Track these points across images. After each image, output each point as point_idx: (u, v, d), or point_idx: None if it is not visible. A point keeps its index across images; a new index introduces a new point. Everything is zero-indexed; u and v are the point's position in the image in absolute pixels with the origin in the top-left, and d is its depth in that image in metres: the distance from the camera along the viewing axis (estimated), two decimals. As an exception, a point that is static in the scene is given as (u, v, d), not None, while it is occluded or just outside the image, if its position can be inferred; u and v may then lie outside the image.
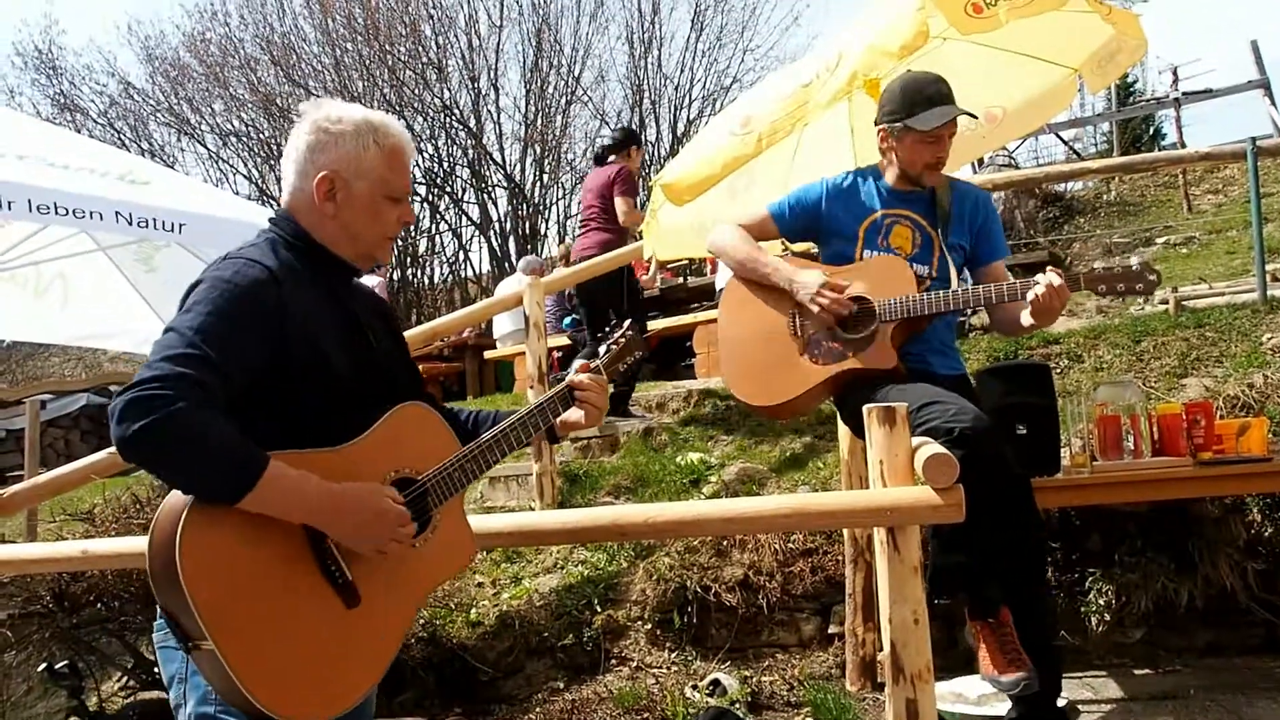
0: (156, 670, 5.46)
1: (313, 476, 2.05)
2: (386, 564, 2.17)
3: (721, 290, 3.92)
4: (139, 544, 3.41)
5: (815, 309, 3.52)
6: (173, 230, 4.64)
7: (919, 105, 3.56)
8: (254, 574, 2.01)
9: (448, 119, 21.34)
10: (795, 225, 3.81)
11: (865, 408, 2.69)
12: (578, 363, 2.64)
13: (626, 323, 2.78)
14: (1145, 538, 4.79)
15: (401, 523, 2.14)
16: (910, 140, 3.63)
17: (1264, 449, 4.02)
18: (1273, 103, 16.17)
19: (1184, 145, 16.78)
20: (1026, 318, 3.44)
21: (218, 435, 1.95)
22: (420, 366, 11.14)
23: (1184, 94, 16.90)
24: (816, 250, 3.91)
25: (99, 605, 5.32)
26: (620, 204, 7.39)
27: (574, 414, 2.57)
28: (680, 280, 10.67)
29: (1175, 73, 17.20)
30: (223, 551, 1.98)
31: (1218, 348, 5.81)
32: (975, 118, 3.57)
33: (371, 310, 2.43)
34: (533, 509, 6.26)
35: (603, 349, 2.72)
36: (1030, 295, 3.32)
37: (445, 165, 21.68)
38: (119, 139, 21.35)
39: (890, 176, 3.74)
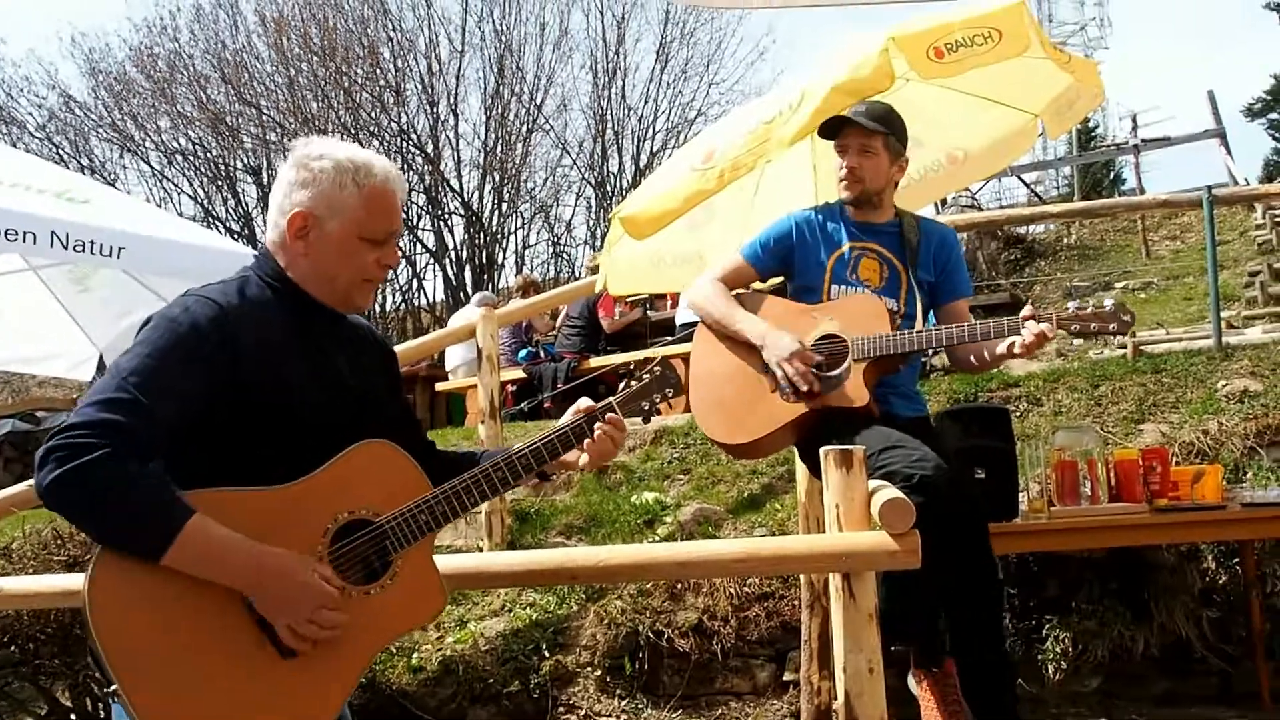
0: (73, 718, 5.32)
1: (238, 539, 2.00)
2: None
3: (682, 325, 3.94)
4: (57, 582, 3.34)
5: (778, 374, 3.53)
6: (112, 255, 4.56)
7: (835, 122, 3.69)
8: (173, 621, 1.97)
9: (404, 144, 21.33)
10: (770, 263, 3.87)
11: (822, 450, 2.70)
12: (583, 400, 2.50)
13: (660, 356, 2.63)
14: (1102, 585, 4.84)
15: (323, 603, 2.07)
16: (832, 155, 3.79)
17: (1218, 496, 4.08)
18: (1228, 152, 16.57)
19: (1143, 191, 17.13)
20: (991, 359, 3.52)
21: (138, 490, 1.92)
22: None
23: (1143, 140, 17.30)
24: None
25: (12, 648, 5.15)
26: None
27: (573, 454, 2.46)
28: (640, 314, 10.67)
29: (1135, 120, 17.60)
30: (138, 597, 1.94)
31: (1174, 393, 5.90)
32: (874, 131, 3.65)
33: (359, 350, 2.40)
34: (481, 548, 6.21)
35: (621, 385, 2.58)
36: (1017, 345, 3.36)
37: (401, 191, 21.62)
38: (58, 154, 21.09)
39: (848, 206, 3.83)
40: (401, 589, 2.21)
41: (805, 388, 3.49)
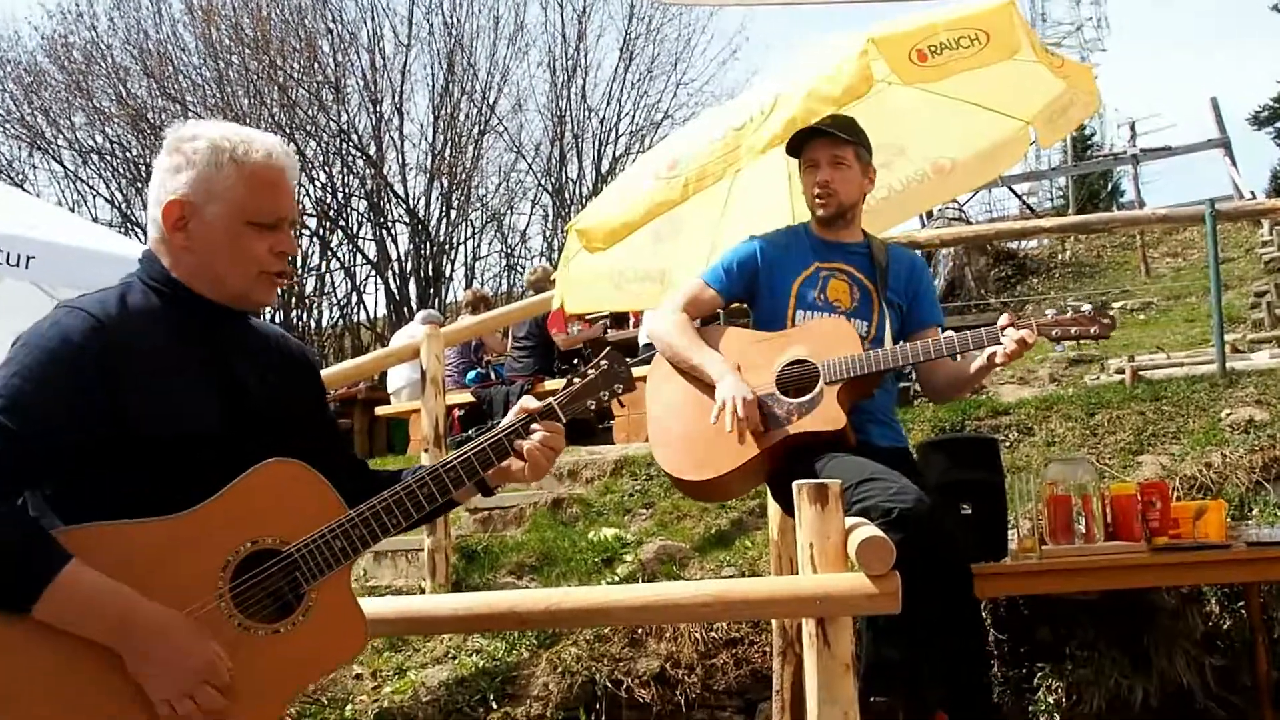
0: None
1: (113, 587, 1.94)
2: (239, 653, 2.06)
3: (646, 345, 3.96)
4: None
5: (717, 407, 3.56)
6: (19, 264, 4.51)
7: (802, 135, 3.75)
8: (43, 670, 1.92)
9: (344, 144, 21.30)
10: (734, 288, 3.93)
11: (795, 484, 2.71)
12: (527, 398, 2.47)
13: (605, 351, 2.58)
14: (1098, 629, 4.88)
15: (207, 677, 1.99)
16: (800, 171, 3.88)
17: (1222, 534, 4.12)
18: (1233, 163, 16.81)
19: (1142, 204, 17.37)
20: (971, 375, 3.60)
21: (2, 531, 1.88)
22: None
23: (1142, 150, 17.54)
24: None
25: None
26: None
27: (511, 464, 2.39)
28: (599, 332, 10.67)
29: (1133, 128, 17.86)
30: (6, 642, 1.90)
31: (1175, 423, 5.98)
32: (845, 141, 3.71)
33: (268, 358, 2.33)
34: (423, 589, 6.17)
35: (565, 383, 2.52)
36: (999, 354, 3.42)
37: (340, 196, 21.58)
38: (-43, 152, 20.87)
39: (816, 226, 3.91)
40: (317, 625, 2.14)
41: (733, 427, 3.51)
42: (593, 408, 2.50)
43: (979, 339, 3.51)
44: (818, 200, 3.82)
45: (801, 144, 3.82)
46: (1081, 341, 3.56)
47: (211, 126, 2.22)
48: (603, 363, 2.52)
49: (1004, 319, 3.49)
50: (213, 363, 2.20)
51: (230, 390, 2.20)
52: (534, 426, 2.39)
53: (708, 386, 3.69)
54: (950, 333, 3.70)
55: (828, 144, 3.76)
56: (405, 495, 2.26)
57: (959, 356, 3.65)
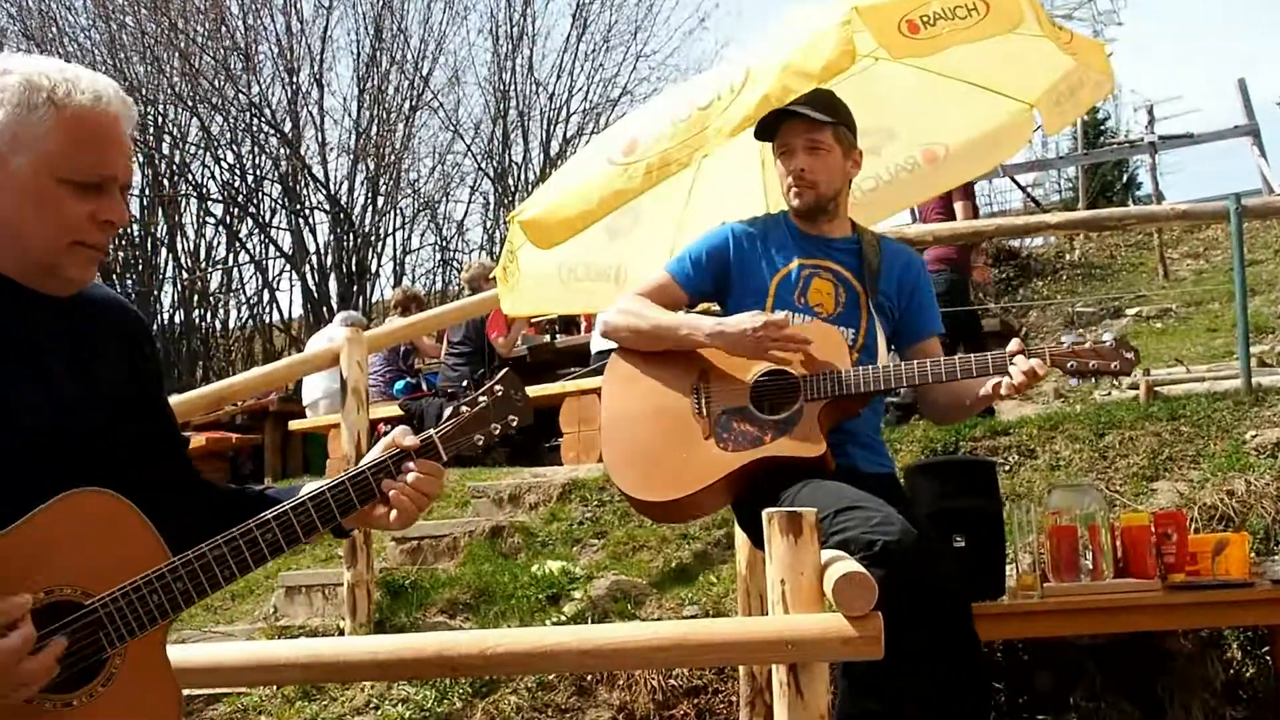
0: None
1: None
2: None
3: (598, 353, 3.95)
4: None
5: (759, 346, 3.54)
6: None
7: (773, 117, 3.75)
8: None
9: (255, 120, 21.13)
10: (702, 282, 3.91)
11: (765, 512, 2.72)
12: (399, 431, 2.32)
13: (504, 373, 2.45)
14: (1106, 677, 4.92)
15: (28, 680, 1.85)
16: (773, 158, 3.88)
17: (1245, 571, 4.17)
18: (1262, 153, 16.98)
19: (1160, 198, 17.52)
20: (973, 401, 3.61)
21: None
22: (203, 438, 10.96)
23: (1161, 138, 17.66)
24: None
25: None
26: (961, 208, 7.70)
27: (380, 507, 2.26)
28: (546, 339, 10.67)
29: (1151, 112, 17.97)
30: None
31: (1194, 445, 6.04)
32: (821, 121, 3.72)
33: (91, 342, 2.14)
34: (341, 630, 6.14)
35: (448, 413, 2.39)
36: (1004, 385, 3.42)
37: (250, 179, 21.42)
38: None
39: (797, 217, 3.91)
40: (118, 697, 1.99)
41: (796, 350, 3.54)
42: (481, 444, 2.39)
43: (984, 365, 3.49)
44: (793, 191, 3.82)
45: (774, 126, 3.82)
46: (1099, 378, 3.55)
47: (28, 61, 2.04)
48: (497, 388, 2.40)
49: (1013, 344, 3.48)
50: (13, 352, 2.02)
51: (30, 387, 2.02)
52: (407, 465, 2.26)
53: (672, 389, 3.70)
54: (953, 356, 3.67)
55: (803, 126, 3.76)
56: (244, 542, 2.11)
57: (965, 378, 3.64)
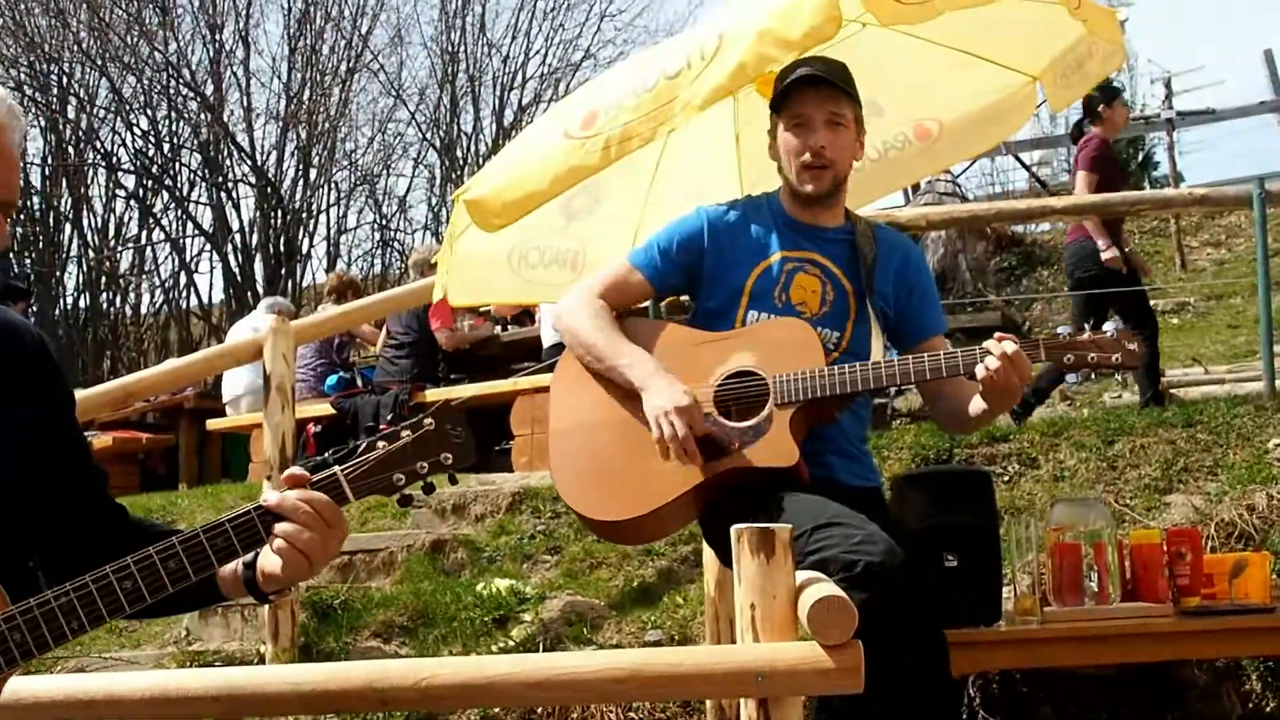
0: None
1: None
2: None
3: (551, 347, 3.94)
4: None
5: (653, 430, 3.52)
6: None
7: (789, 84, 3.70)
8: None
9: (173, 83, 21.02)
10: (671, 275, 3.87)
11: (734, 529, 2.72)
12: (289, 471, 2.23)
13: (440, 403, 2.34)
14: (1113, 711, 4.95)
15: None
16: (781, 131, 3.77)
17: (1265, 595, 4.18)
18: (1290, 130, 17.08)
19: (1179, 179, 17.62)
20: (977, 404, 3.56)
21: None
22: (109, 438, 10.87)
23: (1179, 113, 17.75)
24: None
25: None
26: (1081, 179, 7.83)
27: (269, 558, 2.19)
28: (495, 330, 10.63)
29: (1169, 84, 18.06)
30: None
31: (1212, 454, 6.08)
32: (848, 95, 3.70)
33: None
34: (261, 656, 6.12)
35: (364, 447, 2.25)
36: (979, 372, 3.41)
37: (166, 148, 21.31)
38: None
39: (787, 201, 3.85)
40: None
41: (679, 458, 3.49)
42: (402, 484, 2.23)
43: (970, 358, 3.44)
44: (808, 171, 3.72)
45: (789, 94, 3.74)
46: (1099, 373, 3.54)
47: None
48: (427, 422, 2.26)
49: (997, 335, 3.47)
50: None
51: None
52: (285, 501, 2.16)
53: (629, 400, 3.66)
54: (936, 353, 3.65)
55: (824, 96, 3.69)
56: (98, 590, 2.06)
57: (950, 375, 3.62)
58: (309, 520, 2.13)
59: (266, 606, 6.03)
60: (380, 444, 2.23)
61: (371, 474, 2.20)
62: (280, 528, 2.13)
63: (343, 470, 2.20)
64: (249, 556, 2.22)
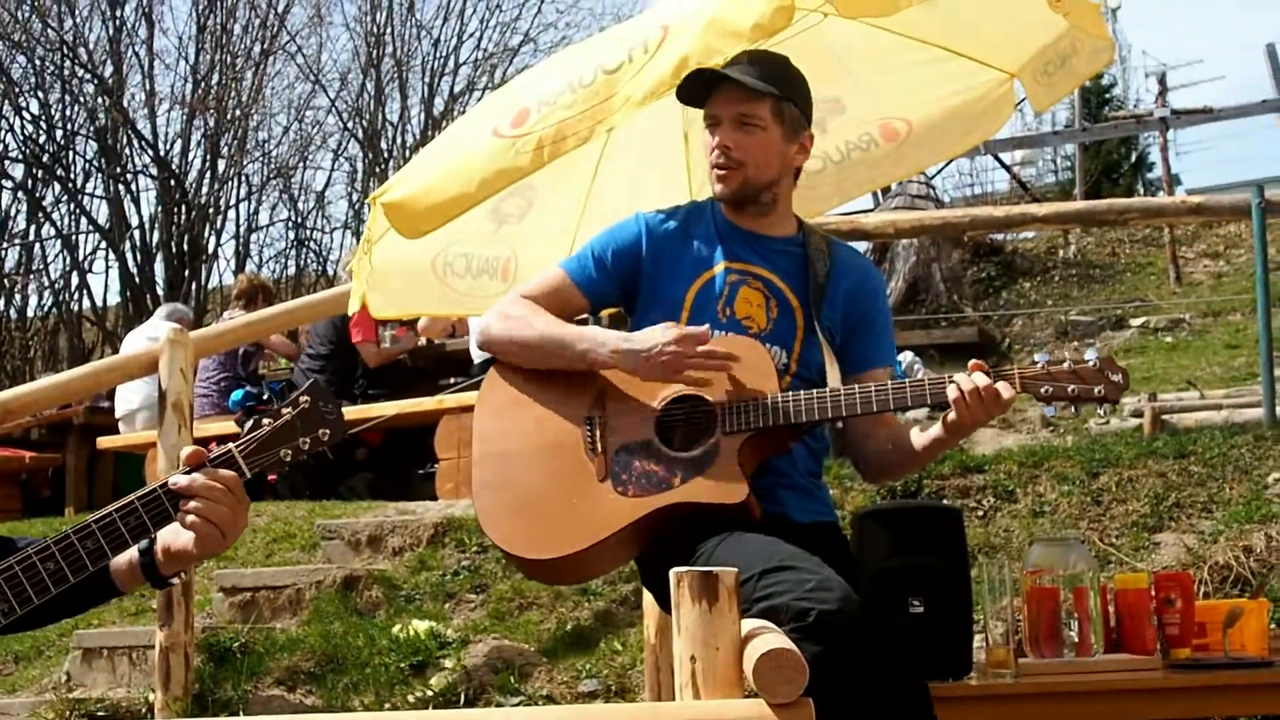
0: None
1: None
2: None
3: (482, 363, 3.92)
4: None
5: (672, 367, 3.48)
6: None
7: (697, 82, 3.70)
8: None
9: (67, 64, 20.86)
10: (606, 285, 3.86)
11: (674, 572, 2.69)
12: (187, 450, 2.55)
13: (307, 385, 2.68)
14: (1094, 774, 4.95)
15: None
16: (703, 130, 3.80)
17: (1263, 647, 4.20)
18: (1294, 133, 17.28)
19: (1174, 183, 17.79)
20: (926, 436, 3.57)
21: None
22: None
23: (1174, 112, 17.92)
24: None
25: None
26: None
27: (177, 536, 2.50)
28: (413, 341, 10.59)
29: (1163, 80, 18.26)
30: None
31: (1206, 489, 6.12)
32: (759, 91, 3.69)
33: None
34: (150, 705, 6.07)
35: (249, 425, 2.61)
36: (950, 409, 3.41)
37: (59, 134, 21.14)
38: None
39: (729, 208, 3.86)
40: None
41: (718, 368, 3.49)
42: (287, 459, 2.58)
43: (938, 389, 3.44)
44: (715, 172, 3.76)
45: (703, 91, 3.77)
46: (1081, 407, 3.54)
47: None
48: (303, 400, 2.60)
49: (972, 364, 3.48)
50: None
51: None
52: (191, 482, 2.45)
53: (561, 420, 3.66)
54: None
55: (735, 94, 3.70)
56: (21, 570, 2.33)
57: (914, 407, 3.63)
58: (220, 495, 2.44)
59: (159, 650, 6.01)
60: (266, 421, 2.57)
61: (262, 449, 2.55)
62: (193, 504, 2.42)
63: (236, 447, 2.52)
64: (144, 543, 2.53)
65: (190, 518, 2.42)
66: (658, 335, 3.51)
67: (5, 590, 2.27)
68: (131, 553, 2.54)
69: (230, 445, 2.53)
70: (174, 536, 2.49)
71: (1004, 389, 3.40)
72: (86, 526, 2.38)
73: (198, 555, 2.48)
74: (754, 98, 3.70)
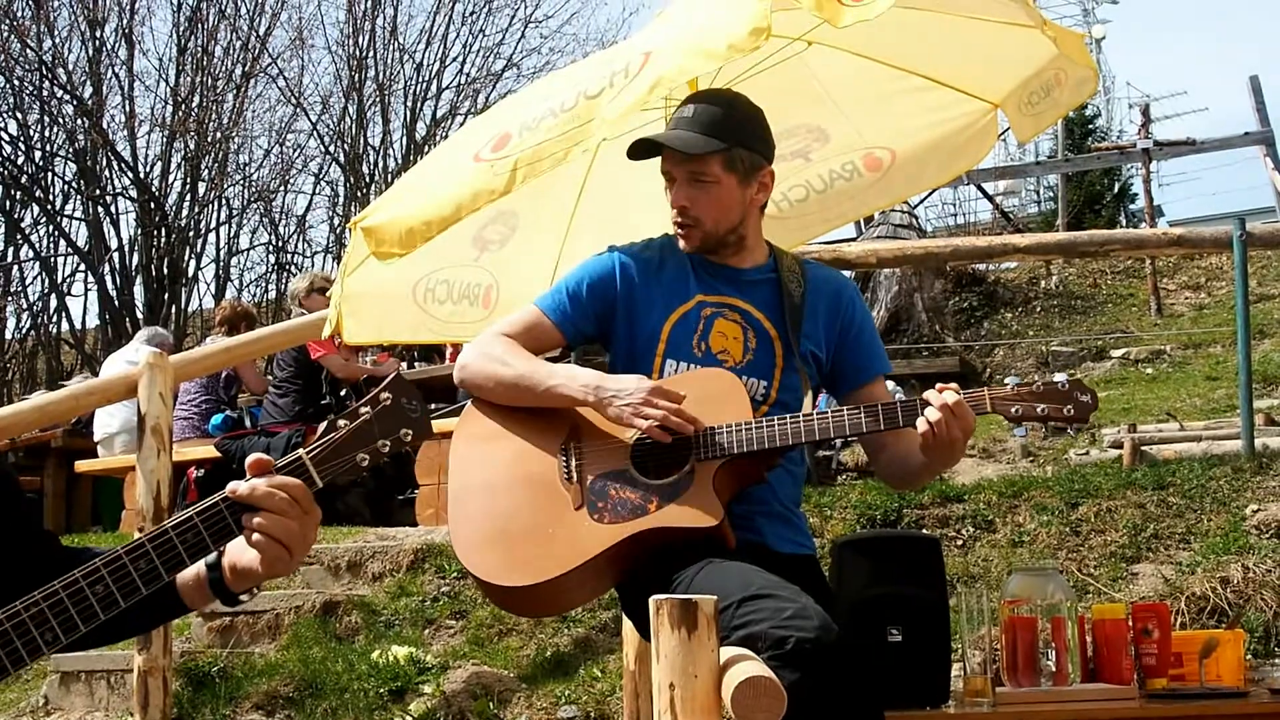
0: None
1: None
2: None
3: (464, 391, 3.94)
4: None
5: (641, 425, 3.51)
6: None
7: (642, 141, 3.74)
8: None
9: (47, 84, 20.85)
10: (582, 321, 3.86)
11: (653, 600, 2.71)
12: (253, 456, 2.29)
13: (387, 380, 2.41)
14: (1071, 804, 4.97)
15: None
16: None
17: (1239, 678, 4.23)
18: (1276, 164, 17.37)
19: (1156, 214, 17.87)
20: (919, 458, 3.57)
21: None
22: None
23: (1157, 143, 18.02)
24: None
25: None
26: None
27: (243, 552, 2.29)
28: (395, 365, 10.60)
29: (1147, 111, 18.36)
30: None
31: (1184, 520, 6.15)
32: (701, 154, 3.70)
33: None
34: (128, 733, 6.06)
35: (322, 429, 2.36)
36: (920, 425, 3.43)
37: (38, 156, 21.11)
38: None
39: None
40: None
41: (689, 428, 3.49)
42: (364, 464, 2.34)
43: (910, 410, 3.46)
44: (677, 230, 3.78)
45: (645, 151, 3.79)
46: (1050, 425, 3.57)
47: None
48: (384, 396, 2.36)
49: (939, 385, 3.50)
50: None
51: None
52: (253, 491, 2.24)
53: (535, 450, 3.67)
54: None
55: (681, 157, 3.71)
56: (68, 596, 2.15)
57: (887, 428, 3.64)
58: (285, 507, 2.22)
59: (137, 675, 5.99)
60: (341, 423, 2.32)
61: (336, 455, 2.30)
62: (255, 520, 2.21)
63: (307, 453, 2.28)
64: (212, 557, 2.33)
65: (255, 535, 2.22)
66: (633, 384, 3.54)
67: (48, 616, 2.12)
68: (199, 568, 2.35)
69: (301, 451, 2.29)
70: (240, 552, 2.30)
71: (954, 399, 3.38)
72: (139, 545, 2.19)
73: (263, 574, 2.28)
74: (697, 159, 3.69)
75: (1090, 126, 24.67)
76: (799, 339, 3.77)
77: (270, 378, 10.00)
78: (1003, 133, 4.93)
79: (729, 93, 3.86)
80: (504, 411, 3.78)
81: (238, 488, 2.22)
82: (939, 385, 3.48)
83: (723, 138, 3.69)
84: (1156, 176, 18.54)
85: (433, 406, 9.64)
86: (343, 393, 9.79)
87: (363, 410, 2.34)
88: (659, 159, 3.78)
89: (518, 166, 3.73)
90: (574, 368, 3.72)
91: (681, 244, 3.79)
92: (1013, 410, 3.51)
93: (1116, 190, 24.35)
